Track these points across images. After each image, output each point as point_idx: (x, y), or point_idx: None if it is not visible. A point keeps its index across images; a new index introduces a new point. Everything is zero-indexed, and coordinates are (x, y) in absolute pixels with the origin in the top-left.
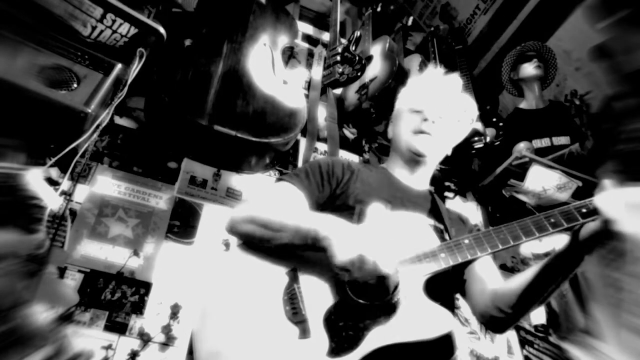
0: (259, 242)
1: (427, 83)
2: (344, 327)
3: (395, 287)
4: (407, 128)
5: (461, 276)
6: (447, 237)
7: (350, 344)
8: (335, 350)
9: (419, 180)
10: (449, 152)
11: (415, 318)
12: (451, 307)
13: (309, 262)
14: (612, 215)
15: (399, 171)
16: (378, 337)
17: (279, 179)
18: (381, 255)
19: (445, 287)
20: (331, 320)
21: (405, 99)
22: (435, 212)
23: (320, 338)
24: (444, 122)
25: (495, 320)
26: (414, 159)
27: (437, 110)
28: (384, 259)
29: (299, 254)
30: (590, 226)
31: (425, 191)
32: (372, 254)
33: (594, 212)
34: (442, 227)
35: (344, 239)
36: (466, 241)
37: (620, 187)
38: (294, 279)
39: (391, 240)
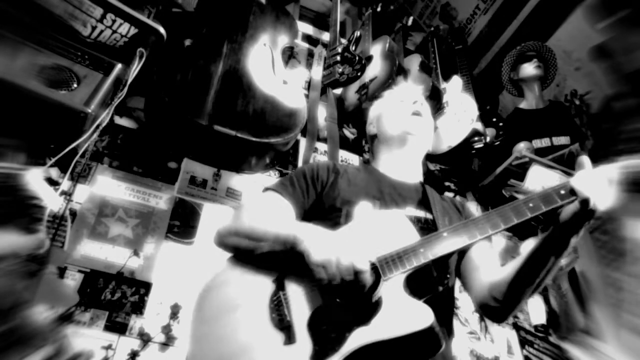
0: (245, 254)
1: (402, 88)
2: (327, 330)
3: (375, 285)
4: (398, 114)
5: (447, 268)
6: (438, 227)
7: (332, 346)
8: (318, 353)
9: (408, 174)
10: (430, 149)
11: (393, 315)
12: (441, 301)
13: (294, 270)
14: (587, 193)
15: (387, 166)
16: (359, 337)
17: (265, 189)
18: (355, 252)
19: (428, 282)
20: (314, 325)
21: (384, 101)
22: (425, 204)
23: (304, 343)
24: (425, 107)
25: (493, 310)
26: (405, 141)
27: (418, 96)
28: (359, 256)
29: (283, 262)
30: (570, 207)
31: (415, 183)
32: (347, 252)
33: (572, 192)
34: (431, 218)
35: (320, 241)
36: (445, 234)
37: (596, 165)
38: (279, 286)
39: (371, 240)
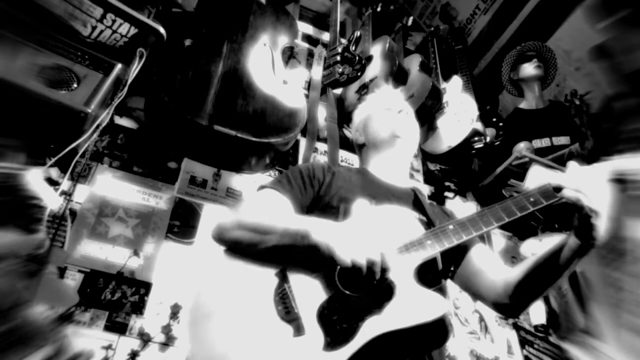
0: (247, 248)
1: (381, 97)
2: (338, 320)
3: (385, 275)
4: (385, 120)
5: (452, 263)
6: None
7: (345, 337)
8: (331, 344)
9: (399, 178)
10: (416, 153)
11: (409, 304)
12: (443, 293)
13: (297, 262)
14: (575, 187)
15: (378, 170)
16: (373, 327)
17: (261, 187)
18: (374, 240)
19: (435, 274)
20: (324, 316)
21: (369, 107)
22: (418, 206)
23: (315, 334)
24: (411, 115)
25: (509, 308)
26: (394, 143)
27: (403, 105)
28: (378, 243)
29: (287, 255)
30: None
31: (407, 188)
32: (369, 240)
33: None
34: (425, 219)
35: (338, 233)
36: (450, 227)
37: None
38: (283, 279)
39: (378, 233)
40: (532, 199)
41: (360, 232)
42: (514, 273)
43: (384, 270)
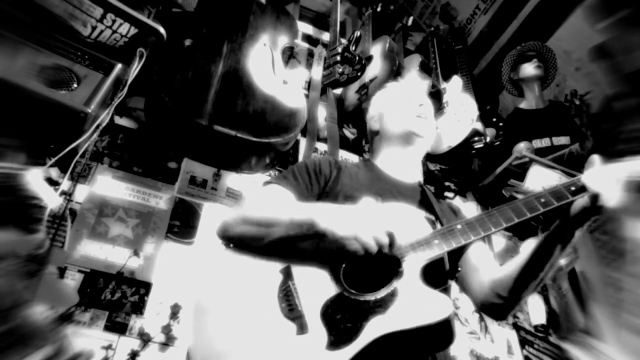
0: (252, 242)
1: (408, 83)
2: (342, 319)
3: (393, 253)
4: (404, 113)
5: (457, 263)
6: (438, 227)
7: (349, 336)
8: (334, 343)
9: (408, 173)
10: (429, 149)
11: (414, 305)
12: (449, 293)
13: (302, 259)
14: (597, 190)
15: (387, 164)
16: (377, 326)
17: (266, 182)
18: (380, 218)
19: (441, 274)
20: (328, 314)
21: (389, 96)
22: (425, 203)
23: (318, 332)
24: (430, 110)
25: (496, 307)
26: (410, 140)
27: (424, 99)
28: (388, 227)
29: (292, 250)
30: (580, 201)
31: (414, 184)
32: (373, 218)
33: (582, 189)
34: (433, 217)
35: (342, 216)
36: (459, 226)
37: (607, 164)
38: (288, 275)
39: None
40: (542, 200)
41: (366, 214)
42: (502, 272)
43: (392, 248)
